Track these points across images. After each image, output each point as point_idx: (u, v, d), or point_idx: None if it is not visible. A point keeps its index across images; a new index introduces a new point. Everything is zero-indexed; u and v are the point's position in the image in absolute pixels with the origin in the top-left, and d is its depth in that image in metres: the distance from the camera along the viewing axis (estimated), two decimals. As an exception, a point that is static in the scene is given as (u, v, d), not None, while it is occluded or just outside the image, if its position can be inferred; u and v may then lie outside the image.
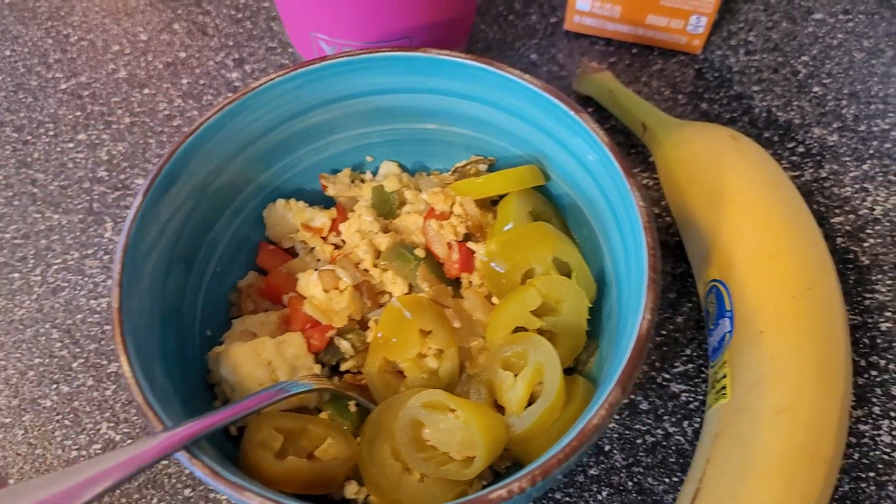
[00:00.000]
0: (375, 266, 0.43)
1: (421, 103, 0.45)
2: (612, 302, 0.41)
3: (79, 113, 0.58)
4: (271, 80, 0.42)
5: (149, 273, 0.38)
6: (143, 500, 0.44)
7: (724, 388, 0.40)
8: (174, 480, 0.45)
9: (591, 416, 0.32)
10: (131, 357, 0.35)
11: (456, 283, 0.44)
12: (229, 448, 0.39)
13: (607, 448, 0.45)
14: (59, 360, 0.49)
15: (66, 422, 0.47)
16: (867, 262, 0.50)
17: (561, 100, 0.40)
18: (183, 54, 0.61)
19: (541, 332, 0.40)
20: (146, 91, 0.59)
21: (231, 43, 0.61)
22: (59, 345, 0.49)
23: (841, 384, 0.40)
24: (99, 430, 0.47)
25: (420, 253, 0.43)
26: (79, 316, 0.50)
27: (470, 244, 0.43)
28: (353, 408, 0.41)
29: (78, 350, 0.49)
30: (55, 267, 0.52)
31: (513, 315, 0.39)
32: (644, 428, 0.45)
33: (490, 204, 0.46)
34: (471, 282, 0.43)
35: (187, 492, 0.45)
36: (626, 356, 0.33)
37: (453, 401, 0.37)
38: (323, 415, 0.41)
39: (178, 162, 0.39)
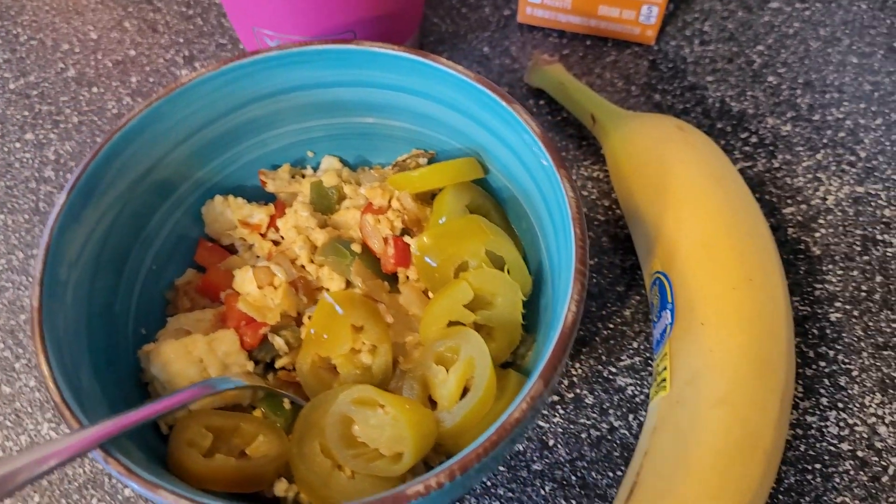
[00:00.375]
0: (312, 262, 0.43)
1: (358, 97, 0.45)
2: (549, 295, 0.40)
3: (27, 113, 0.58)
4: (201, 75, 0.41)
5: (75, 272, 0.38)
6: (83, 501, 0.44)
7: (664, 380, 0.40)
8: (114, 480, 0.44)
9: (513, 410, 0.32)
10: (50, 356, 0.34)
11: (394, 279, 0.43)
12: (162, 448, 0.39)
13: (551, 443, 0.44)
14: (0, 360, 0.48)
15: (8, 423, 0.46)
16: (818, 252, 0.50)
17: (494, 91, 0.40)
18: (133, 52, 0.60)
19: (477, 326, 0.40)
20: (95, 90, 0.59)
21: (181, 40, 0.61)
22: (1, 345, 0.49)
23: (782, 376, 0.39)
24: (40, 430, 0.46)
25: (356, 248, 0.42)
26: (22, 316, 0.50)
27: (406, 239, 0.42)
28: (287, 405, 0.40)
29: (21, 350, 0.49)
30: (-1, 268, 0.52)
31: (445, 309, 0.39)
32: (589, 422, 0.45)
33: (430, 198, 0.45)
34: (408, 277, 0.42)
35: (127, 491, 0.44)
36: (550, 349, 0.33)
37: (382, 396, 0.37)
38: (257, 412, 0.40)
39: (105, 159, 0.39)
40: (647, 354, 0.47)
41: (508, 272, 0.40)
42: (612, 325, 0.48)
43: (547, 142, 0.38)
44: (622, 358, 0.47)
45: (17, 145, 0.56)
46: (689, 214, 0.44)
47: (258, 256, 0.45)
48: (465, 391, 0.38)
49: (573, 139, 0.55)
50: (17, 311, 0.50)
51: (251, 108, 0.44)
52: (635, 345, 0.47)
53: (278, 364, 0.41)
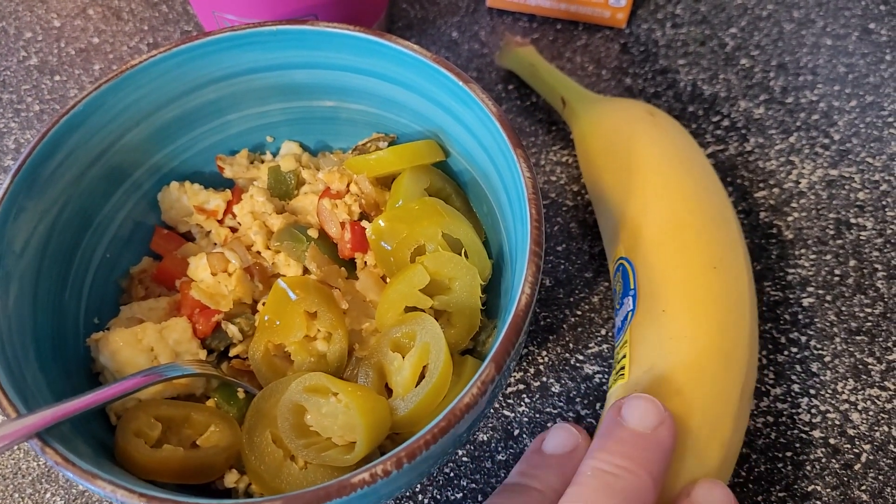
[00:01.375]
0: (268, 248, 0.42)
1: (316, 80, 0.44)
2: (509, 279, 0.39)
3: (-13, 101, 0.57)
4: (151, 57, 0.40)
5: (21, 261, 0.37)
6: (37, 495, 0.43)
7: (623, 368, 0.39)
8: (69, 475, 0.43)
9: (463, 395, 0.31)
10: (-10, 346, 0.33)
11: (352, 265, 0.42)
12: (111, 440, 0.38)
13: (516, 433, 0.43)
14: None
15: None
16: (791, 236, 0.49)
17: (451, 70, 0.39)
18: (96, 40, 0.59)
19: (436, 312, 0.39)
20: (57, 78, 0.57)
21: (146, 27, 0.60)
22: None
23: (743, 366, 0.38)
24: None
25: (313, 233, 0.41)
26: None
27: (364, 223, 0.41)
28: (241, 395, 0.39)
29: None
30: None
31: (402, 294, 0.38)
32: (555, 411, 0.44)
33: (390, 182, 0.44)
34: (365, 262, 0.41)
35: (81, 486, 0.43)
36: (503, 333, 0.32)
37: (335, 384, 0.36)
38: (210, 402, 0.39)
39: (49, 146, 0.38)
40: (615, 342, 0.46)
41: (466, 256, 0.39)
42: (579, 313, 0.47)
43: (503, 120, 0.37)
44: (590, 345, 0.46)
45: (-23, 135, 0.55)
46: (653, 199, 0.43)
47: (215, 243, 0.44)
48: (422, 378, 0.37)
49: (542, 124, 0.54)
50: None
51: (206, 91, 0.43)
52: (603, 332, 0.46)
53: (232, 352, 0.40)
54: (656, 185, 0.43)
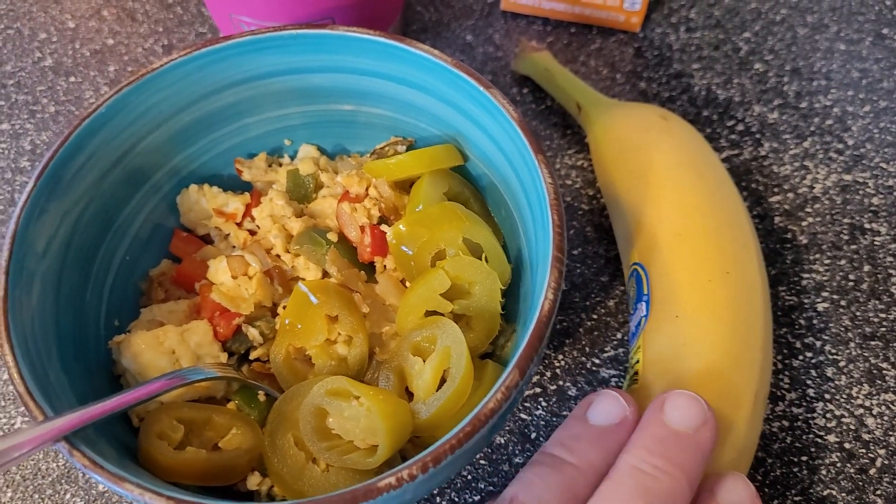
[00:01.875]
0: (287, 251, 0.42)
1: (335, 83, 0.44)
2: (528, 284, 0.40)
3: (3, 102, 0.57)
4: (172, 60, 0.40)
5: (43, 263, 0.37)
6: (57, 496, 0.43)
7: (636, 373, 0.39)
8: (88, 475, 0.43)
9: (487, 401, 0.31)
10: (15, 347, 0.33)
11: (371, 268, 0.42)
12: (134, 442, 0.38)
13: (533, 436, 0.44)
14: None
15: (-20, 418, 0.46)
16: (805, 241, 0.49)
17: (471, 75, 0.39)
18: (111, 41, 0.59)
19: (455, 316, 0.39)
20: (72, 79, 0.58)
21: (161, 29, 0.60)
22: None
23: (757, 370, 0.38)
24: (14, 424, 0.45)
25: (332, 237, 0.41)
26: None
27: (384, 227, 0.41)
28: (262, 397, 0.39)
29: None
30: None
31: (422, 298, 0.38)
32: (571, 414, 0.44)
33: (408, 186, 0.44)
34: (385, 266, 0.41)
35: (101, 486, 0.43)
36: (526, 338, 0.32)
37: (356, 387, 0.36)
38: (231, 405, 0.39)
39: (72, 149, 0.38)
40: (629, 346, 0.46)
41: (486, 260, 0.39)
42: (595, 316, 0.47)
43: (524, 126, 0.37)
44: (606, 349, 0.46)
45: (-7, 136, 0.55)
46: (668, 205, 0.43)
47: (234, 246, 0.44)
48: (442, 382, 0.37)
49: (557, 127, 0.54)
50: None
51: (225, 95, 0.43)
52: (619, 336, 0.46)
53: (253, 355, 0.40)
54: (670, 190, 0.43)
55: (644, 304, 0.41)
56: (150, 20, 0.60)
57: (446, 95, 0.41)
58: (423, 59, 0.40)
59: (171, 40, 0.59)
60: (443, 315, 0.38)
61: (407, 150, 0.45)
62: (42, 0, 0.62)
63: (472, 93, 0.40)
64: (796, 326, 0.46)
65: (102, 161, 0.40)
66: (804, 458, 0.42)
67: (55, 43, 0.60)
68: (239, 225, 0.44)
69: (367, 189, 0.43)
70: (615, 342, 0.46)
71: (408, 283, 0.41)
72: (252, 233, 0.44)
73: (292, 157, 0.47)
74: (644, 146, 0.45)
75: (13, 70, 0.58)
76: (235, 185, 0.46)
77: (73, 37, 0.60)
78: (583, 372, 0.45)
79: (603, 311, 0.47)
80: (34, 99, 0.57)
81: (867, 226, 0.49)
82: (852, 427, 0.43)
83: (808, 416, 0.44)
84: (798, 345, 0.46)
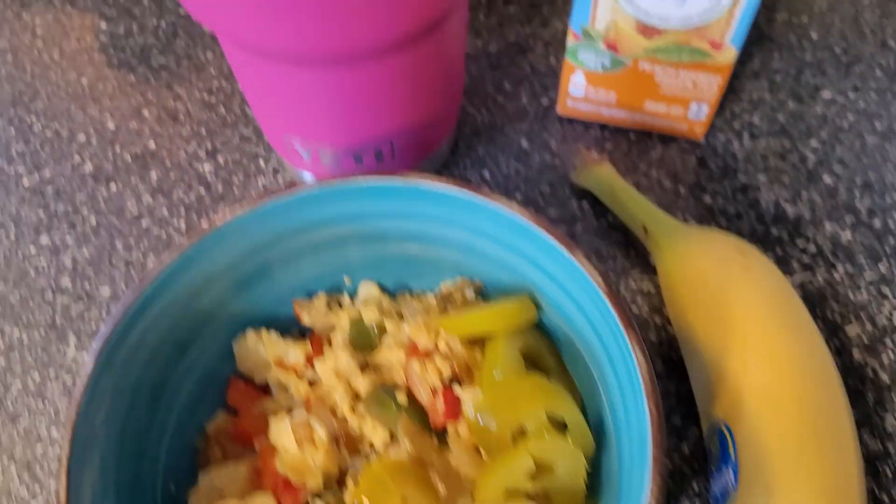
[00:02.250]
0: (353, 411, 0.40)
1: (402, 227, 0.42)
2: (613, 456, 0.37)
3: (41, 212, 0.55)
4: (234, 215, 0.38)
5: (101, 445, 0.35)
6: None
7: (732, 552, 0.37)
8: None
9: None
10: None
11: (441, 430, 0.40)
12: None
13: None
14: (17, 499, 0.45)
15: (24, 569, 0.44)
16: (887, 379, 0.47)
17: (554, 235, 0.37)
18: (152, 144, 0.57)
19: (535, 494, 0.37)
20: (113, 187, 0.55)
21: (203, 131, 0.58)
22: (16, 481, 0.46)
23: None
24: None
25: (401, 398, 0.39)
26: (39, 448, 0.47)
27: (456, 388, 0.39)
28: (330, 576, 0.37)
29: (37, 488, 0.45)
30: (14, 391, 0.48)
31: (504, 479, 0.36)
32: (648, 574, 0.42)
33: (481, 339, 0.42)
34: (458, 431, 0.39)
35: None
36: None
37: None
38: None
39: (130, 321, 0.36)
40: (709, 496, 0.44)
41: (568, 433, 0.37)
42: (669, 464, 0.45)
43: (614, 299, 0.35)
44: (681, 500, 0.44)
45: (32, 250, 0.53)
46: (752, 358, 0.40)
47: (293, 396, 0.42)
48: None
49: (620, 246, 0.52)
50: (33, 441, 0.47)
51: (286, 241, 0.41)
52: (695, 486, 0.44)
53: (319, 531, 0.38)
54: (754, 340, 0.41)
55: (732, 471, 0.39)
56: (192, 121, 0.58)
57: (523, 249, 0.39)
58: (503, 217, 0.38)
59: (214, 143, 0.57)
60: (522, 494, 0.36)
61: (475, 293, 0.43)
62: (80, 97, 0.60)
63: (552, 253, 0.37)
64: (882, 477, 0.44)
65: (159, 328, 0.38)
66: None
67: (94, 146, 0.58)
68: (299, 375, 0.42)
69: (436, 340, 0.41)
70: (691, 493, 0.44)
71: (483, 452, 0.39)
72: (312, 382, 0.42)
73: (352, 294, 0.45)
74: (724, 290, 0.43)
75: (52, 176, 0.56)
76: (292, 324, 0.44)
77: (112, 139, 0.58)
78: (658, 525, 0.43)
79: (676, 456, 0.45)
80: (74, 208, 0.55)
81: (951, 362, 0.47)
82: (946, 593, 0.41)
83: (898, 577, 0.41)
84: (885, 498, 0.43)
